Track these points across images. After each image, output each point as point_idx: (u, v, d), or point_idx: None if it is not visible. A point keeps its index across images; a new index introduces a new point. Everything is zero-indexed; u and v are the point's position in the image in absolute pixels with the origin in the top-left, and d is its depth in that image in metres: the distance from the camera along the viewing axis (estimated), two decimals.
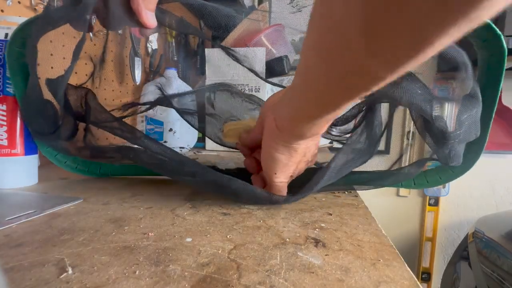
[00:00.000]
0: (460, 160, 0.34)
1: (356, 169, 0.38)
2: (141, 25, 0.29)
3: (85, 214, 0.30)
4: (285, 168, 0.31)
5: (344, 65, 0.17)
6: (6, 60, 0.36)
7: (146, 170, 0.44)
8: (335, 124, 0.39)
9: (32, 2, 0.55)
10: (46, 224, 0.27)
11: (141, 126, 0.77)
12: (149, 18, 0.29)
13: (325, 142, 0.90)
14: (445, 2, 0.11)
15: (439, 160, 0.35)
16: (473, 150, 0.36)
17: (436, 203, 1.49)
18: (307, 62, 0.21)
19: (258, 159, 0.36)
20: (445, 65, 1.25)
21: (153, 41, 0.91)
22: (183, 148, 0.75)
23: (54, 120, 0.35)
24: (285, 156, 0.30)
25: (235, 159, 0.64)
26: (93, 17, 0.31)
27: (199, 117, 0.44)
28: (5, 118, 0.39)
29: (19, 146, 0.40)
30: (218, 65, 0.73)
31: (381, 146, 0.38)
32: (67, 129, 0.36)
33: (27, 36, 0.34)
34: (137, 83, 0.83)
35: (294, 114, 0.26)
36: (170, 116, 0.73)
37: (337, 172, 0.33)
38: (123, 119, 0.38)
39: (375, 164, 0.41)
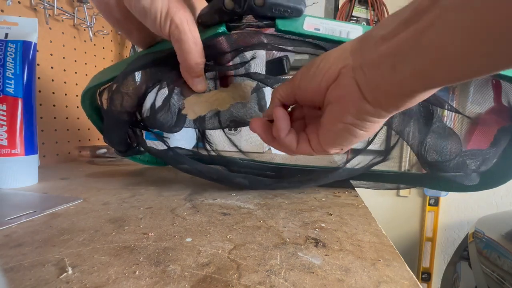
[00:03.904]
0: (472, 180, 0.36)
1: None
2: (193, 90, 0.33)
3: (85, 214, 0.30)
4: (356, 143, 0.26)
5: None
6: (82, 107, 0.44)
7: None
8: None
9: (32, 2, 0.55)
10: (46, 224, 0.27)
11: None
12: (196, 84, 0.32)
13: None
14: None
15: (447, 178, 0.36)
16: (503, 175, 0.37)
17: (436, 203, 1.49)
18: None
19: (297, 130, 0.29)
20: None
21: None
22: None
23: (125, 139, 0.44)
24: (367, 132, 0.24)
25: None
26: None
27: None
28: (5, 118, 0.39)
29: (19, 146, 0.40)
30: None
31: (381, 146, 0.38)
32: (134, 141, 0.45)
33: (93, 92, 0.42)
34: (137, 83, 0.83)
35: (420, 78, 0.18)
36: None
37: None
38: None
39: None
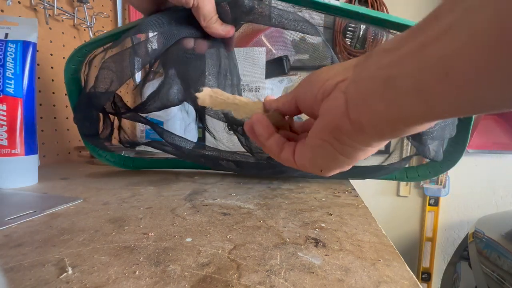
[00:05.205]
0: (440, 156, 0.40)
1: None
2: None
3: (85, 214, 0.30)
4: (339, 169, 0.24)
5: None
6: (64, 75, 0.43)
7: (171, 162, 0.54)
8: None
9: (32, 2, 0.55)
10: (46, 224, 0.27)
11: (141, 125, 0.77)
12: (216, 26, 0.37)
13: None
14: None
15: (420, 154, 0.40)
16: (458, 150, 0.42)
17: (436, 203, 1.49)
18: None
19: (284, 139, 0.27)
20: None
21: (153, 41, 0.91)
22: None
23: (97, 124, 0.43)
24: (347, 159, 0.21)
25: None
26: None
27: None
28: (5, 118, 0.39)
29: (19, 146, 0.40)
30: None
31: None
32: (106, 130, 0.45)
33: (83, 55, 0.41)
34: (138, 83, 0.83)
35: (416, 99, 0.14)
36: (169, 117, 0.73)
37: None
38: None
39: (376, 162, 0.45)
